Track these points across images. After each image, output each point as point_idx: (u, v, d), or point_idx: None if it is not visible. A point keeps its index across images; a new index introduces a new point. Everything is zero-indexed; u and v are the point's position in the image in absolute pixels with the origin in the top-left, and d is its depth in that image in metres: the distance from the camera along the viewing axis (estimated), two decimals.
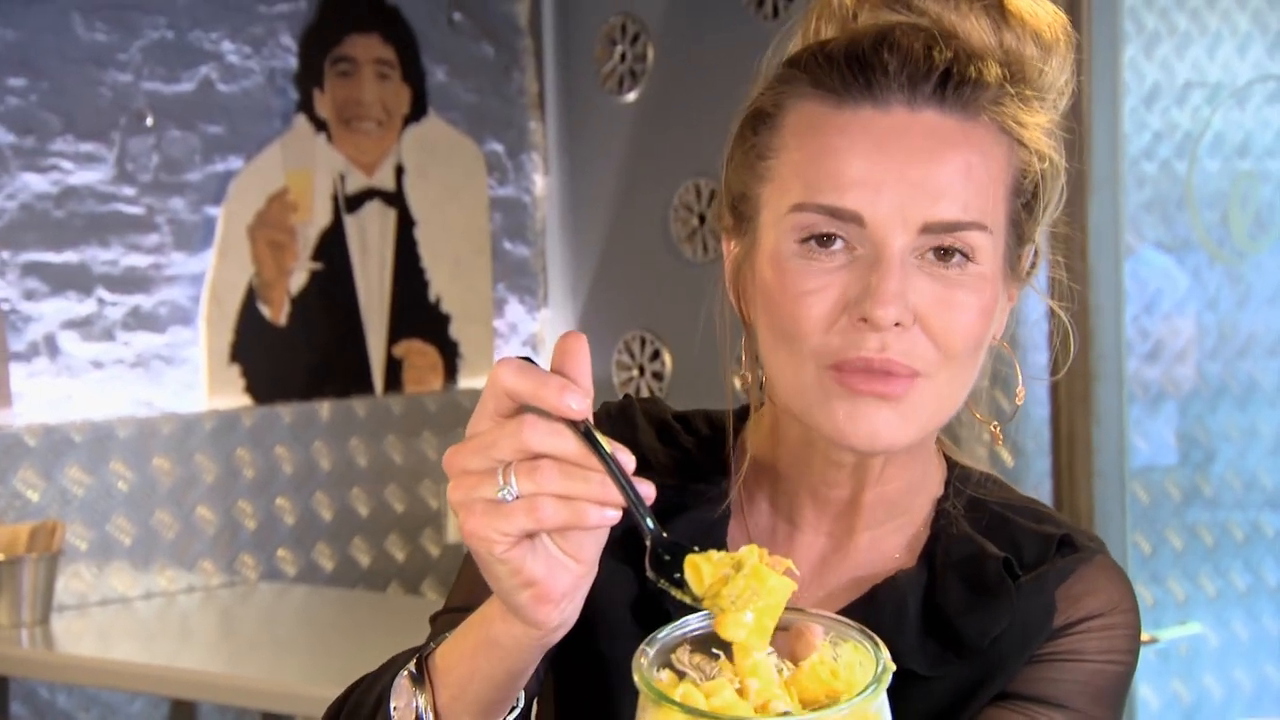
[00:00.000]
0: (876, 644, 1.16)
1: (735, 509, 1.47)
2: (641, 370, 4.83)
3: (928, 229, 1.33)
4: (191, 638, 3.98)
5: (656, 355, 4.79)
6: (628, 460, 1.15)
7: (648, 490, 1.16)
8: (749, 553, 1.18)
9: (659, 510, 1.18)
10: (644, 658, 1.16)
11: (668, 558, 1.19)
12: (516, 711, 1.30)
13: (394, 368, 4.72)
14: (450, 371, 4.83)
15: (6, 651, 3.69)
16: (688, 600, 1.19)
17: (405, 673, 1.30)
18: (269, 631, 4.01)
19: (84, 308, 4.18)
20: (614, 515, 1.15)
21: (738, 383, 1.48)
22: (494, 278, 4.92)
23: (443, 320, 4.83)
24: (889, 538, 1.45)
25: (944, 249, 1.34)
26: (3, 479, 4.00)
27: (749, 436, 1.50)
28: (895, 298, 1.32)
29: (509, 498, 1.15)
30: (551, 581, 1.18)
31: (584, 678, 1.45)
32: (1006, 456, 4.11)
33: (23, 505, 4.02)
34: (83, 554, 4.13)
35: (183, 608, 4.14)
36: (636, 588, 1.42)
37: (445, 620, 1.42)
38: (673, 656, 1.18)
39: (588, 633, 1.38)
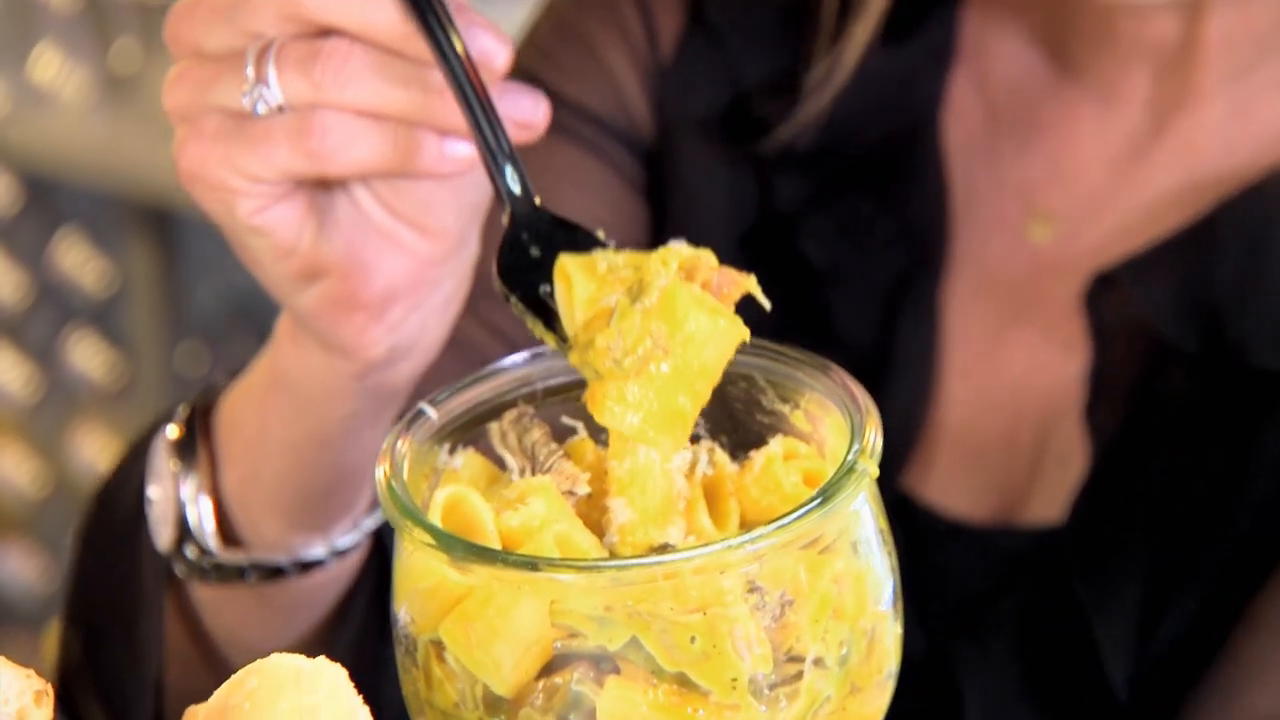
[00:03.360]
0: (861, 410, 0.69)
1: (966, 47, 0.98)
2: None
3: None
4: None
5: None
6: (493, 44, 0.71)
7: (523, 106, 0.73)
8: (662, 259, 0.70)
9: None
10: (405, 436, 0.69)
11: (535, 250, 0.72)
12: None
13: None
14: None
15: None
16: (551, 343, 0.73)
17: (163, 437, 0.85)
18: None
19: None
20: (464, 153, 0.73)
21: None
22: None
23: None
24: (1262, 97, 0.94)
25: None
26: None
27: None
28: None
29: (262, 108, 0.72)
30: (362, 269, 0.76)
31: None
32: None
33: None
34: None
35: None
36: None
37: None
38: (496, 426, 0.72)
39: None
